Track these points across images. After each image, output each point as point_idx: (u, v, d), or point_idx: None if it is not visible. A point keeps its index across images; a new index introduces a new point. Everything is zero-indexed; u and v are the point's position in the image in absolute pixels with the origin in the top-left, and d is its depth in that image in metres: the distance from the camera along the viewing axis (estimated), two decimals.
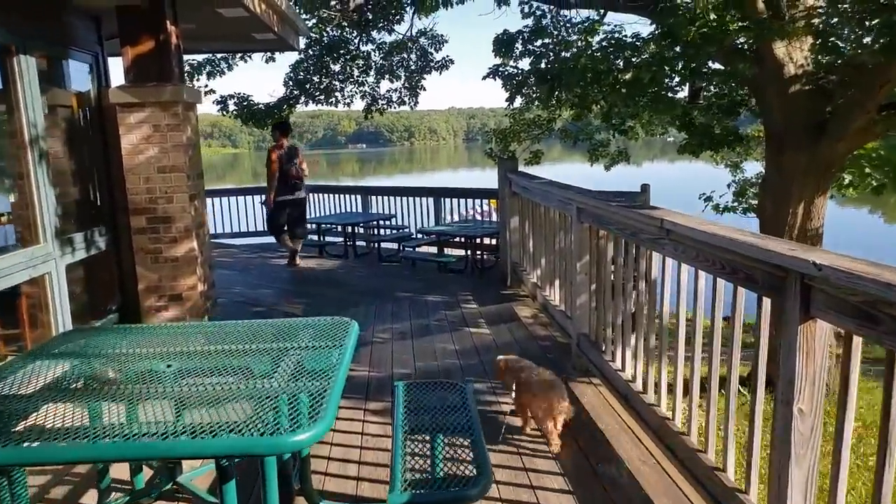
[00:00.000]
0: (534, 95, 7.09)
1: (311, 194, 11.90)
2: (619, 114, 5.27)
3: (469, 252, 8.12)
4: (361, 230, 10.22)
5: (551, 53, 5.78)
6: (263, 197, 8.69)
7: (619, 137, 15.00)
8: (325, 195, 11.69)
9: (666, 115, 5.72)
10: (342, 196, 11.45)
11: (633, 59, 5.45)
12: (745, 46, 6.07)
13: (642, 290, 3.32)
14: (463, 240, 8.17)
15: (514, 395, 3.36)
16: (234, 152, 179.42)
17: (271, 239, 11.93)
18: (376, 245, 9.74)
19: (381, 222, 10.31)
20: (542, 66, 5.87)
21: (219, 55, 9.18)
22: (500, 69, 6.52)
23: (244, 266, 8.04)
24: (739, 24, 5.45)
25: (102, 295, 4.65)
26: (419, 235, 9.48)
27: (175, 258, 4.59)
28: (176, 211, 4.54)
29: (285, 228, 7.94)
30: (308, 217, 11.36)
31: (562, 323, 4.73)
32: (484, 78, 6.61)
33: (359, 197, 11.26)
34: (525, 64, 8.09)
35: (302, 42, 7.93)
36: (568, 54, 5.85)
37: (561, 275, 4.91)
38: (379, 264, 8.66)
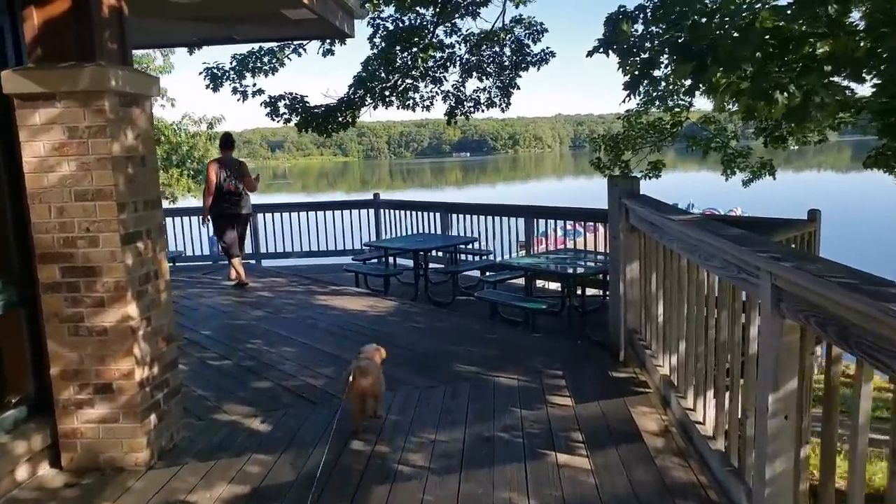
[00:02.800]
0: (668, 84, 4.99)
1: (383, 210, 10.43)
2: (821, 106, 3.16)
3: (566, 292, 6.17)
4: (440, 253, 8.59)
5: (694, 18, 3.70)
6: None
7: (748, 144, 12.42)
8: (399, 212, 10.10)
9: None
10: (418, 214, 9.79)
11: (843, 20, 3.29)
12: None
13: None
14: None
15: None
16: (344, 160, 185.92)
17: (334, 260, 10.60)
18: (453, 276, 7.97)
19: (461, 246, 8.55)
20: (684, 34, 3.77)
21: (264, 46, 7.78)
22: (616, 41, 4.45)
23: (281, 305, 6.50)
24: None
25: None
26: (500, 269, 7.67)
27: (102, 329, 3.01)
28: (102, 259, 2.96)
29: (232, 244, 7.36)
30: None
31: (720, 476, 2.67)
32: (590, 53, 4.61)
33: (438, 215, 9.56)
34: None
35: (361, 28, 6.37)
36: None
37: (720, 384, 2.85)
38: (451, 304, 6.92)
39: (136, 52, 16.84)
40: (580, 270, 6.23)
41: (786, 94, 3.14)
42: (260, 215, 10.69)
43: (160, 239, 3.25)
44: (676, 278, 3.44)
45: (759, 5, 3.31)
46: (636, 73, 4.47)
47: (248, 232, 7.81)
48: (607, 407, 3.76)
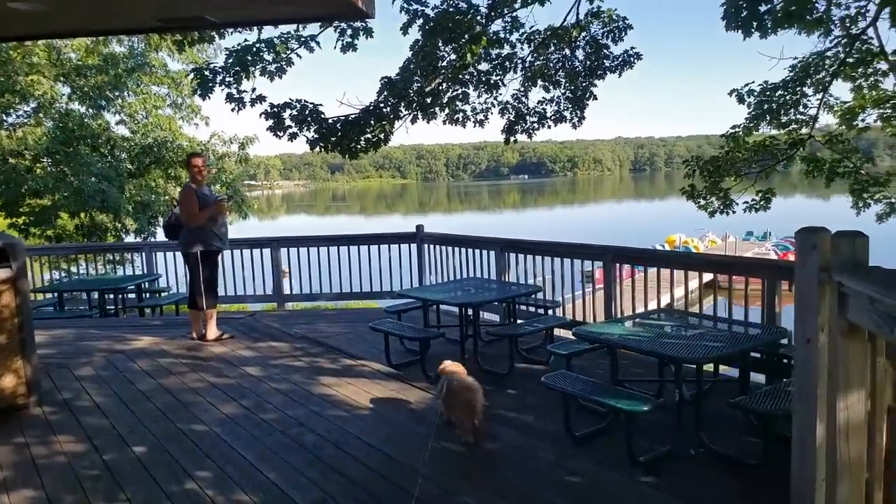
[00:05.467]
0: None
1: (428, 245, 8.65)
2: None
3: (674, 376, 4.19)
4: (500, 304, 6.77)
5: None
6: None
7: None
8: (447, 249, 8.27)
9: None
10: (468, 252, 7.92)
11: None
12: None
13: None
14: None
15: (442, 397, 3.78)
16: (402, 182, 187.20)
17: (373, 303, 8.91)
18: (511, 340, 5.99)
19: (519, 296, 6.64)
20: None
21: (262, 38, 6.05)
22: None
23: (266, 394, 4.66)
24: None
25: None
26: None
27: None
28: None
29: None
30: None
31: None
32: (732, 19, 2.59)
33: (492, 254, 7.68)
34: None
35: (393, 17, 4.54)
36: None
37: None
38: (508, 375, 5.24)
39: (172, 66, 15.87)
40: (705, 353, 4.12)
41: None
42: (284, 250, 9.10)
43: None
44: None
45: None
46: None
47: (198, 275, 6.04)
48: None
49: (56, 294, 8.53)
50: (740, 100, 7.32)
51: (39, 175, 12.37)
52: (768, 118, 7.94)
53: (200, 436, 3.79)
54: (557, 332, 6.27)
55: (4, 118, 13.13)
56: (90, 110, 13.89)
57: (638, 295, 7.00)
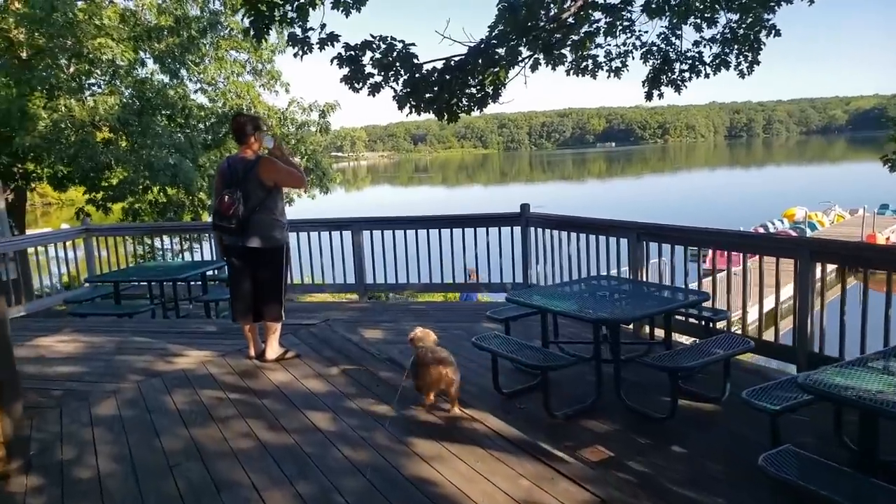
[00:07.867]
0: None
1: (534, 229, 7.07)
2: None
3: None
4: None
5: None
6: None
7: None
8: (560, 234, 6.66)
9: None
10: (588, 239, 6.23)
11: None
12: None
13: None
14: None
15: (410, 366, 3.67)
16: (484, 152, 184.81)
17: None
18: (672, 375, 4.25)
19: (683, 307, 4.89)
20: None
21: None
22: None
23: (324, 461, 3.21)
24: None
25: None
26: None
27: None
28: None
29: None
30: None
31: None
32: None
33: (624, 242, 5.98)
34: None
35: None
36: None
37: None
38: (669, 419, 3.54)
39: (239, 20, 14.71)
40: None
41: None
42: (366, 233, 7.75)
43: None
44: None
45: None
46: None
47: (283, 276, 4.55)
48: None
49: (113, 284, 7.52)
50: None
51: (111, 148, 11.56)
52: None
53: None
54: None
55: (81, 87, 12.39)
56: (173, 80, 13.02)
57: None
